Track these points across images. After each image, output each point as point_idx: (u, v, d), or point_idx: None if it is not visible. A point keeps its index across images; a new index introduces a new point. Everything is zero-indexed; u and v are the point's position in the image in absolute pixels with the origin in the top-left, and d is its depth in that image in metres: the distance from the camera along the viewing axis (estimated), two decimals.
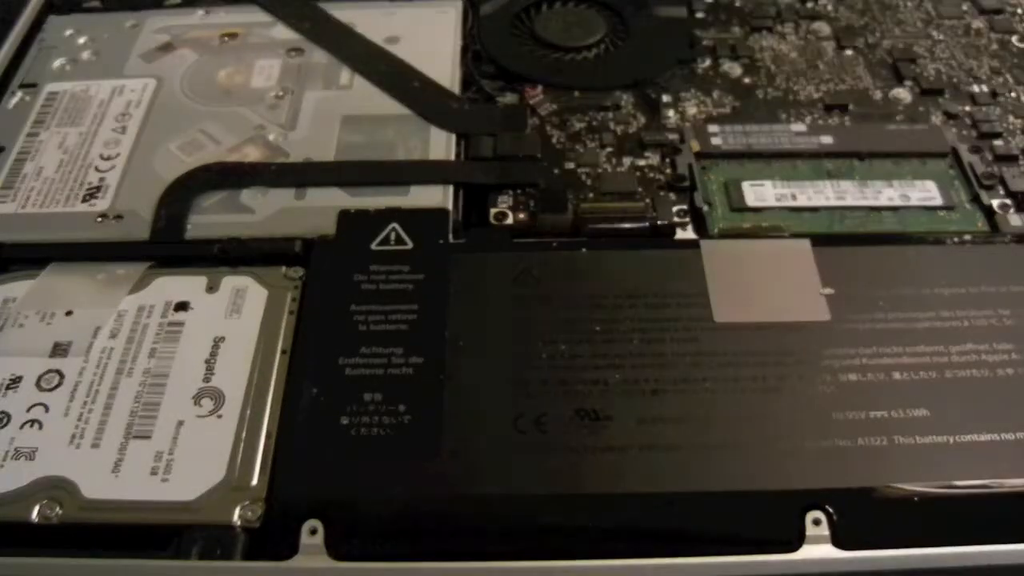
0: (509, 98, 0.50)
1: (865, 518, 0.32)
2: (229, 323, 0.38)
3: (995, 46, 0.52)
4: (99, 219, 0.42)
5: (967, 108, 0.48)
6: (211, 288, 0.40)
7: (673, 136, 0.47)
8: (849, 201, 0.43)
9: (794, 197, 0.43)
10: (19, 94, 0.49)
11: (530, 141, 0.46)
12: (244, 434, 0.34)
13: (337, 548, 0.32)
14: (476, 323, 0.37)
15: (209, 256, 0.41)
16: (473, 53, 0.52)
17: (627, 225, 0.42)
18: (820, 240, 0.40)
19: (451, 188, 0.43)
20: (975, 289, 0.38)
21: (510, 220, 0.43)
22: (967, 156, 0.45)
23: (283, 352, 0.37)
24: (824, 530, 0.32)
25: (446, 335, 0.37)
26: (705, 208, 0.43)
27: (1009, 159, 0.45)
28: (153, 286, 0.40)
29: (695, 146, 0.46)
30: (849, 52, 0.52)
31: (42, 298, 0.39)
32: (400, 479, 0.33)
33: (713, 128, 0.47)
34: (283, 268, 0.40)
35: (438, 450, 0.34)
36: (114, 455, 0.34)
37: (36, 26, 0.54)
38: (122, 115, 0.48)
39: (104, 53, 0.52)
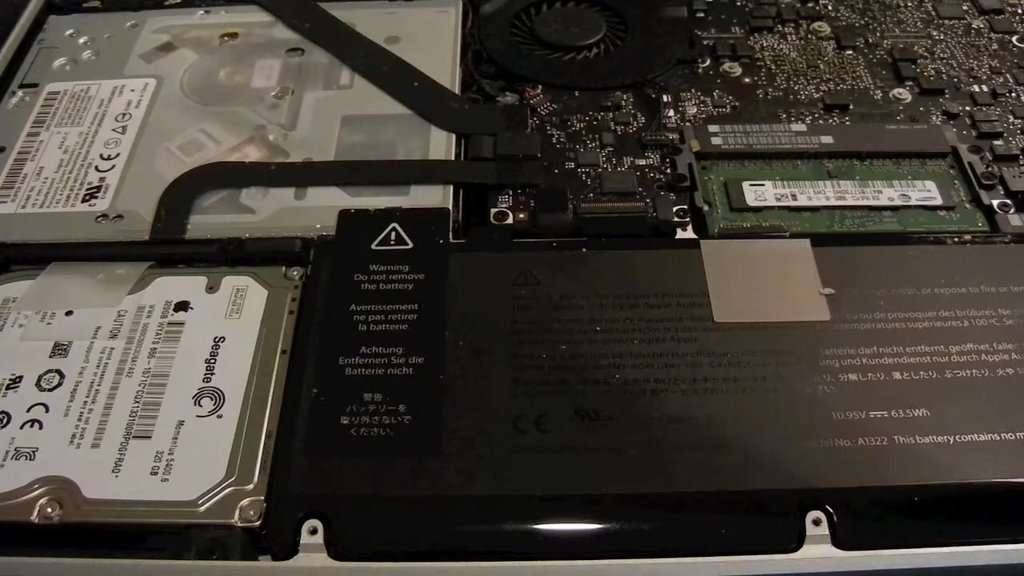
0: (509, 98, 0.50)
1: (865, 518, 0.32)
2: (229, 323, 0.38)
3: (995, 46, 0.52)
4: (99, 219, 0.42)
5: (967, 108, 0.48)
6: (211, 288, 0.40)
7: (673, 136, 0.47)
8: (849, 201, 0.43)
9: (794, 197, 0.43)
10: (19, 94, 0.49)
11: (530, 141, 0.46)
12: (244, 434, 0.34)
13: (337, 548, 0.32)
14: (476, 323, 0.37)
15: (209, 256, 0.41)
16: (473, 53, 0.52)
17: (627, 225, 0.42)
18: (820, 240, 0.40)
19: (451, 188, 0.43)
20: (975, 289, 0.38)
21: (510, 220, 0.43)
22: (967, 156, 0.45)
23: (283, 352, 0.37)
24: (824, 530, 0.32)
25: (446, 335, 0.37)
26: (705, 208, 0.43)
27: (1009, 159, 0.45)
28: (153, 286, 0.40)
29: (695, 146, 0.46)
30: (849, 52, 0.52)
31: (42, 298, 0.39)
32: (400, 479, 0.33)
33: (713, 128, 0.47)
34: (283, 268, 0.40)
35: (438, 450, 0.34)
36: (114, 455, 0.34)
37: (36, 26, 0.54)
38: (122, 115, 0.48)
39: (104, 53, 0.52)
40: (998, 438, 0.34)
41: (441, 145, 0.46)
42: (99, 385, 0.36)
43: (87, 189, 0.44)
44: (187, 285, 0.40)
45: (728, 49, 0.52)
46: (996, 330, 0.37)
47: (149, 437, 0.34)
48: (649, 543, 0.32)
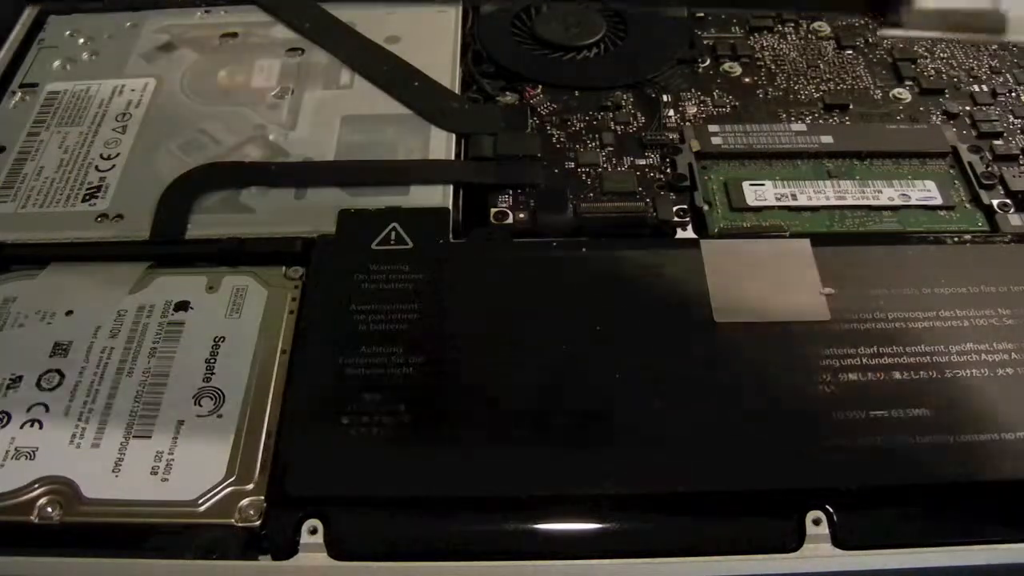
0: (509, 98, 0.50)
1: (865, 518, 0.32)
2: (229, 323, 0.38)
3: (995, 46, 0.52)
4: (99, 219, 0.42)
5: (967, 108, 0.48)
6: (211, 288, 0.40)
7: (673, 136, 0.47)
8: (849, 201, 0.43)
9: (794, 197, 0.43)
10: (19, 94, 0.49)
11: (530, 141, 0.46)
12: (244, 434, 0.34)
13: (337, 548, 0.32)
14: (476, 323, 0.37)
15: (209, 256, 0.41)
16: (473, 53, 0.52)
17: (627, 225, 0.42)
18: (820, 240, 0.40)
19: (451, 188, 0.43)
20: (975, 289, 0.38)
21: (510, 220, 0.43)
22: (967, 156, 0.45)
23: (283, 352, 0.37)
24: (824, 530, 0.32)
25: (446, 335, 0.37)
26: (705, 208, 0.43)
27: (1009, 159, 0.45)
28: (153, 286, 0.40)
29: (695, 146, 0.46)
30: (849, 52, 0.52)
31: (42, 298, 0.39)
32: (400, 479, 0.33)
33: (713, 128, 0.47)
34: (283, 268, 0.40)
35: (438, 450, 0.34)
36: (114, 455, 0.34)
37: (36, 26, 0.54)
38: (122, 115, 0.48)
39: (104, 53, 0.52)
40: (998, 438, 0.34)
41: (441, 145, 0.46)
42: (99, 385, 0.36)
43: (87, 189, 0.44)
44: (187, 285, 0.40)
45: (728, 49, 0.52)
46: (996, 330, 0.37)
47: (149, 437, 0.34)
48: (649, 543, 0.32)
